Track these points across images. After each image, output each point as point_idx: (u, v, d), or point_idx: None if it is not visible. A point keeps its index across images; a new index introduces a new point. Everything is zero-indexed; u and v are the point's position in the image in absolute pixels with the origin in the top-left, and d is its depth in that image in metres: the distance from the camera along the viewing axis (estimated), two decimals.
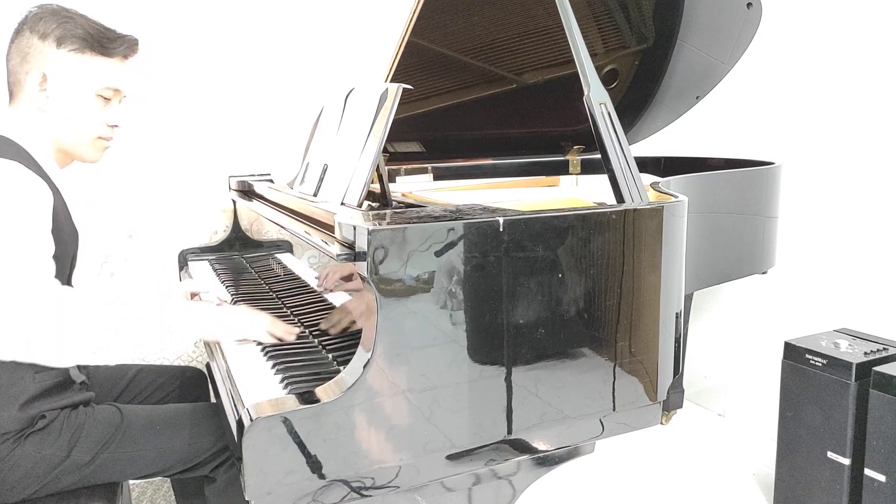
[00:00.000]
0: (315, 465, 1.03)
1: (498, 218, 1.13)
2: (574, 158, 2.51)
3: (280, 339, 1.34)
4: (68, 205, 1.30)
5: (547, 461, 1.29)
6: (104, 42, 1.28)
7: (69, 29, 1.25)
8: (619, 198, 1.34)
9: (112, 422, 1.29)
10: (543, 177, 2.48)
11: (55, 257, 1.20)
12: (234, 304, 1.68)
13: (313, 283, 1.55)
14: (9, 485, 1.20)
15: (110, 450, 1.26)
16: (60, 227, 1.23)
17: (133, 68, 1.34)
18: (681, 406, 2.37)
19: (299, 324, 1.50)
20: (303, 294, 1.58)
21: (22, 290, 1.08)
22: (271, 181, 2.01)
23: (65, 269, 1.29)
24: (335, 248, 1.13)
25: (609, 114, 1.37)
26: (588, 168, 2.51)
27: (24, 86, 1.26)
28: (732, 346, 2.76)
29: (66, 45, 1.25)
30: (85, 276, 1.40)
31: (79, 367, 1.32)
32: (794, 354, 1.94)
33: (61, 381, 1.26)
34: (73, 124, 1.28)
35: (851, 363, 1.79)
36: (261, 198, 1.95)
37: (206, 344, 1.49)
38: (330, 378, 1.08)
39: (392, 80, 1.82)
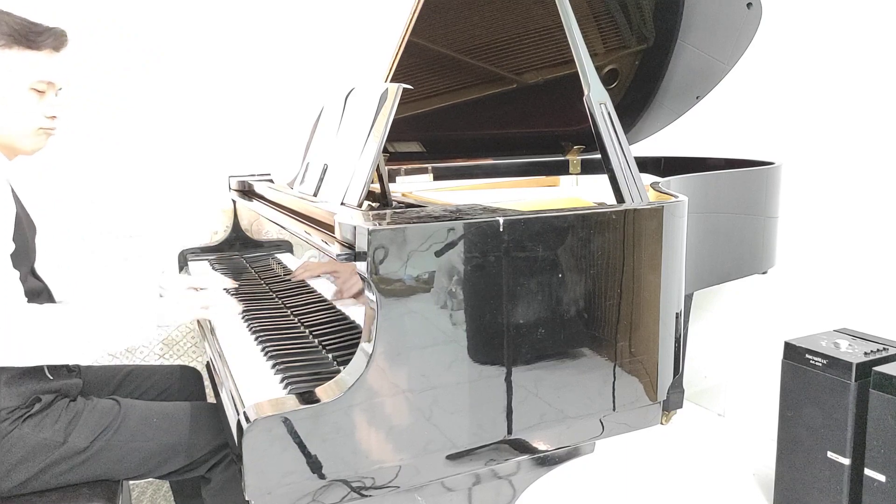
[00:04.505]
0: (315, 465, 1.03)
1: (498, 218, 1.13)
2: (574, 158, 2.51)
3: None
4: (20, 197, 1.32)
5: (547, 461, 1.29)
6: (30, 36, 1.27)
7: None
8: (619, 198, 1.34)
9: (110, 411, 1.33)
10: (543, 177, 2.48)
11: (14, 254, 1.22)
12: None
13: (313, 284, 1.55)
14: (6, 467, 1.22)
15: (107, 437, 1.29)
16: (21, 225, 1.25)
17: (63, 60, 1.33)
18: (681, 406, 2.37)
19: (299, 324, 1.50)
20: (303, 294, 1.58)
21: None
22: (271, 181, 2.01)
23: (29, 260, 1.31)
24: (335, 248, 1.13)
25: (609, 114, 1.37)
26: (588, 168, 2.51)
27: None
28: (732, 346, 2.76)
29: None
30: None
31: None
32: (794, 354, 1.94)
33: None
34: (9, 119, 1.28)
35: (851, 363, 1.79)
36: (261, 198, 1.95)
37: (207, 343, 1.50)
38: (330, 378, 1.08)
39: (392, 80, 1.82)
